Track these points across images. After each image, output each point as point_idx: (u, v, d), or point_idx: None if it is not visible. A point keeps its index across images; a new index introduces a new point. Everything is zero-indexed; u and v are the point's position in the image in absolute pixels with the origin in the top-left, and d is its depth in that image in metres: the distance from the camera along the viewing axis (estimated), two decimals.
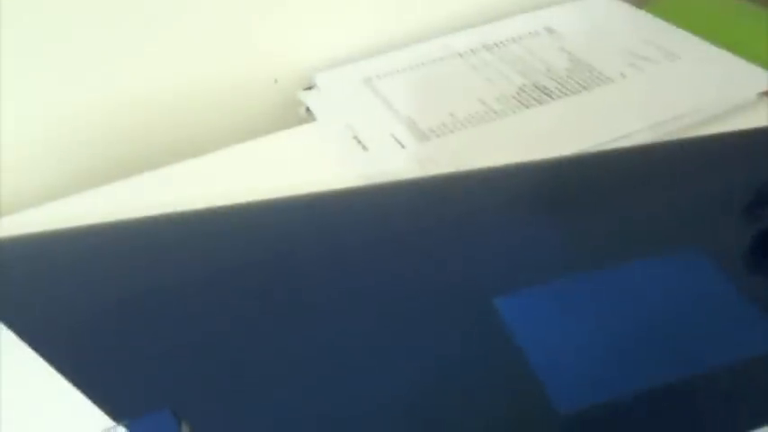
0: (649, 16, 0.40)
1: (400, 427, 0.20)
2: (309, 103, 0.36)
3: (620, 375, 0.21)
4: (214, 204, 0.28)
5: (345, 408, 0.21)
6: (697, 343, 0.22)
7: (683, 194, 0.27)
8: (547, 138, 0.32)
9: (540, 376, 0.21)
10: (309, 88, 0.37)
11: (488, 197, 0.28)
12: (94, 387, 0.21)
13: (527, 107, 0.34)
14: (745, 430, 0.19)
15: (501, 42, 0.39)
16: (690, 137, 0.31)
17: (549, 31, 0.40)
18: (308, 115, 0.36)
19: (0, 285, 0.25)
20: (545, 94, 0.35)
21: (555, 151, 0.30)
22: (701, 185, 0.27)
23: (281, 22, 0.37)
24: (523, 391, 0.21)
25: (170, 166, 0.33)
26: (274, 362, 0.22)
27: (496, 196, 0.28)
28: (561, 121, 0.33)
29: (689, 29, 0.38)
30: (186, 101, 0.36)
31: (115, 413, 0.20)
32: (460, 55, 0.38)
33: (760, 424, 0.19)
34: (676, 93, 0.34)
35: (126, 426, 0.20)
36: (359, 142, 0.33)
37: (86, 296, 0.25)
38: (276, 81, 0.38)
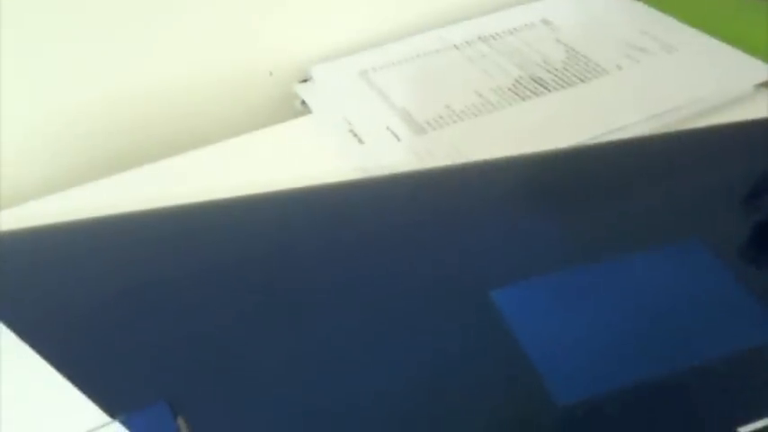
0: (646, 7, 0.40)
1: (398, 419, 0.20)
2: (305, 96, 0.36)
3: (619, 367, 0.21)
4: (211, 197, 0.28)
5: (342, 400, 0.21)
6: (695, 334, 0.22)
7: (680, 186, 0.27)
8: (544, 130, 0.32)
9: (538, 368, 0.21)
10: (305, 81, 0.37)
11: (485, 189, 0.28)
12: (92, 379, 0.21)
13: (524, 99, 0.34)
14: (745, 421, 0.19)
15: (497, 34, 0.39)
16: (687, 129, 0.31)
17: (546, 22, 0.40)
18: (304, 108, 0.36)
19: None
20: (541, 86, 0.35)
21: (552, 143, 0.30)
22: (699, 177, 0.27)
23: (276, 15, 0.37)
24: (522, 383, 0.21)
25: (168, 159, 0.32)
26: (271, 355, 0.22)
27: (493, 188, 0.28)
28: (558, 114, 0.33)
29: (686, 20, 0.38)
30: (184, 94, 0.36)
31: (112, 407, 0.20)
32: (457, 47, 0.38)
33: (759, 415, 0.19)
34: (673, 84, 0.34)
35: (123, 419, 0.20)
36: (355, 135, 0.33)
37: (85, 289, 0.25)
38: (271, 74, 0.38)
